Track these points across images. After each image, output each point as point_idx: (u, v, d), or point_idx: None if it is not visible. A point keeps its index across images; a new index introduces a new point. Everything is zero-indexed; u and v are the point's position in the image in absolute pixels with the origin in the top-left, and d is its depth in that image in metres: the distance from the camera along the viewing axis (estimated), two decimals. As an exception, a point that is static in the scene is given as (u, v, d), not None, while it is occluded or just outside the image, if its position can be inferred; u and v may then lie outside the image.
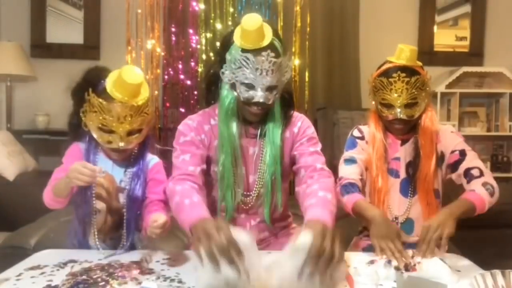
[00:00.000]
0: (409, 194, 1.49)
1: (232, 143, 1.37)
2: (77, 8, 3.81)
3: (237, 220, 1.48)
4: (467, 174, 1.41)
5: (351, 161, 1.51)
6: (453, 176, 1.47)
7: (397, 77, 1.41)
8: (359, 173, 1.49)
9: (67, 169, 1.27)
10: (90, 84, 1.32)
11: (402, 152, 1.51)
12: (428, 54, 3.88)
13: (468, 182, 1.39)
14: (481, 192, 1.31)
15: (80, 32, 3.81)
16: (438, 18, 4.03)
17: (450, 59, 3.97)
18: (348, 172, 1.49)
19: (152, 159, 1.45)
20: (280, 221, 1.56)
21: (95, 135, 1.32)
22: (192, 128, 1.43)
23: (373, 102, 1.51)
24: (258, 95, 1.31)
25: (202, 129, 1.44)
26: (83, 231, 1.37)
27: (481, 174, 1.39)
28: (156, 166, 1.45)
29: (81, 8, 3.81)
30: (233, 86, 1.35)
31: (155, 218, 1.25)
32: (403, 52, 1.44)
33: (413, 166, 1.49)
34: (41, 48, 3.77)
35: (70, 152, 1.40)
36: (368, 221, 1.33)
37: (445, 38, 4.04)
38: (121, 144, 1.30)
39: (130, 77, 1.27)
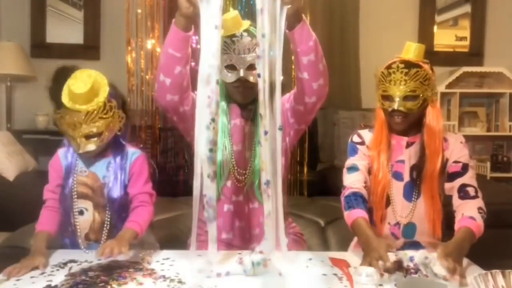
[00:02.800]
0: (413, 198, 1.46)
1: (224, 112, 1.49)
2: (77, 8, 3.81)
3: (236, 203, 1.51)
4: (462, 189, 1.40)
5: (353, 168, 1.49)
6: (446, 185, 1.45)
7: (396, 68, 1.40)
8: (363, 180, 1.46)
9: (51, 187, 1.40)
10: (59, 86, 1.34)
11: (407, 155, 1.47)
12: (428, 54, 3.79)
13: (461, 198, 1.39)
14: (479, 220, 1.31)
15: (80, 32, 3.81)
16: (438, 18, 4.03)
17: (450, 59, 3.97)
18: (351, 180, 1.46)
19: (134, 153, 1.45)
20: None
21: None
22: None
23: (377, 98, 1.48)
24: (240, 72, 1.42)
25: None
26: (69, 231, 1.39)
27: (476, 195, 1.39)
28: (138, 160, 1.44)
29: (81, 8, 3.81)
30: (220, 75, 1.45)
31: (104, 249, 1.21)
32: (410, 48, 1.45)
33: (418, 166, 1.45)
34: (41, 48, 3.77)
35: (51, 163, 1.43)
36: (361, 245, 1.34)
37: (445, 38, 4.04)
38: (79, 148, 1.32)
39: (77, 87, 1.28)
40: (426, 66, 1.44)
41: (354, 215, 1.37)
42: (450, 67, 3.87)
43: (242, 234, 1.52)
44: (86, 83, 1.29)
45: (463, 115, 3.93)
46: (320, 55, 1.33)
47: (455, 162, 1.44)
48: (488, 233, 1.32)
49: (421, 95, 1.40)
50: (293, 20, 1.24)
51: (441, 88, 3.73)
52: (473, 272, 1.11)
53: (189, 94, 1.43)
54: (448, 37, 4.05)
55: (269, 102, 1.14)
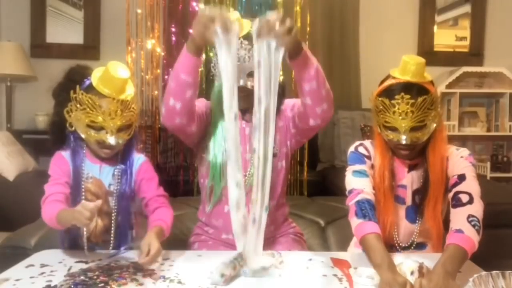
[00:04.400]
0: (417, 221, 1.39)
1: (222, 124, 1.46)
2: (77, 8, 3.82)
3: None
4: (455, 197, 1.26)
5: (362, 173, 1.35)
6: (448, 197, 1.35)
7: (401, 99, 1.23)
8: (372, 187, 1.34)
9: (57, 181, 1.31)
10: (74, 83, 1.31)
11: (409, 180, 1.38)
12: (428, 54, 3.87)
13: (454, 206, 1.25)
14: (470, 233, 1.15)
15: (80, 32, 3.81)
16: (438, 18, 4.03)
17: (450, 59, 3.97)
18: (362, 184, 1.33)
19: (139, 158, 1.43)
20: (278, 207, 1.56)
21: (83, 134, 1.31)
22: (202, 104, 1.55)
23: (376, 124, 1.34)
24: (240, 81, 1.39)
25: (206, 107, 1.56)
26: (72, 235, 1.37)
27: (470, 201, 1.23)
28: (144, 165, 1.43)
29: (81, 8, 3.81)
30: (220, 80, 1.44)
31: (145, 248, 1.18)
32: (408, 66, 1.26)
33: (421, 191, 1.37)
34: (41, 48, 3.78)
35: (55, 162, 1.37)
36: (373, 267, 1.16)
37: (445, 38, 4.04)
38: (112, 139, 1.28)
39: (118, 73, 1.28)
40: (432, 88, 1.29)
41: (368, 229, 1.22)
42: (450, 67, 3.87)
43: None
44: (125, 72, 1.30)
45: (463, 115, 3.93)
46: (322, 81, 1.32)
47: (453, 175, 1.33)
48: (488, 233, 1.29)
49: (429, 123, 1.27)
50: (293, 52, 1.24)
51: (441, 88, 3.73)
52: (473, 273, 1.11)
53: (195, 114, 1.44)
54: (448, 37, 4.05)
55: (262, 186, 1.16)
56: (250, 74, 1.39)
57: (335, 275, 1.18)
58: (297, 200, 2.64)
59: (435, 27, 4.02)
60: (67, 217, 1.19)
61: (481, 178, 1.44)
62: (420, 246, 1.44)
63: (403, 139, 1.26)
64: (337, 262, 1.26)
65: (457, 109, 3.81)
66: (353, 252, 1.50)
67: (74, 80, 1.33)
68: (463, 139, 3.83)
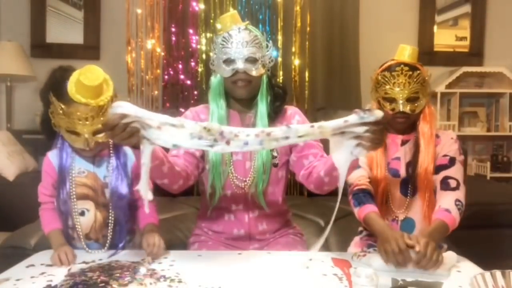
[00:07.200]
0: (409, 193, 1.50)
1: (222, 118, 1.47)
2: (77, 8, 3.81)
3: (236, 212, 1.51)
4: (444, 181, 1.45)
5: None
6: (433, 177, 1.48)
7: (400, 71, 1.45)
8: (367, 176, 1.50)
9: (45, 191, 1.38)
10: (54, 85, 1.33)
11: (402, 152, 1.52)
12: (428, 54, 3.87)
13: (442, 189, 1.43)
14: (454, 213, 1.36)
15: (80, 32, 3.81)
16: (438, 18, 4.02)
17: (450, 59, 3.97)
18: (356, 176, 1.48)
19: (134, 153, 1.43)
20: (279, 215, 1.57)
21: (67, 139, 1.35)
22: (189, 117, 1.52)
23: (375, 98, 1.52)
24: (238, 65, 1.42)
25: (198, 117, 1.53)
26: (66, 234, 1.38)
27: (457, 187, 1.43)
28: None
29: (81, 8, 3.81)
30: (219, 71, 1.47)
31: (149, 242, 1.31)
32: (405, 50, 1.49)
33: (413, 163, 1.49)
34: (41, 48, 3.77)
35: (44, 166, 1.41)
36: (376, 234, 1.36)
37: (445, 38, 4.04)
38: (85, 144, 1.30)
39: (89, 79, 1.27)
40: (423, 69, 1.49)
41: (366, 210, 1.41)
42: (450, 67, 3.87)
43: (242, 240, 1.52)
44: (98, 76, 1.29)
45: (463, 115, 3.93)
46: (335, 183, 1.33)
47: (444, 155, 1.49)
48: (488, 233, 1.32)
49: (421, 96, 1.47)
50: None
51: (441, 88, 3.73)
52: (473, 272, 1.11)
53: (196, 173, 1.47)
54: (448, 37, 4.05)
55: None
56: (249, 60, 1.42)
57: (335, 274, 1.18)
58: (297, 200, 2.65)
59: (435, 27, 4.01)
60: (53, 244, 1.35)
61: (481, 178, 1.48)
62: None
63: (401, 106, 1.45)
64: (338, 262, 1.26)
65: (457, 109, 3.80)
66: (352, 252, 1.50)
67: (54, 82, 1.35)
68: (463, 139, 3.82)
